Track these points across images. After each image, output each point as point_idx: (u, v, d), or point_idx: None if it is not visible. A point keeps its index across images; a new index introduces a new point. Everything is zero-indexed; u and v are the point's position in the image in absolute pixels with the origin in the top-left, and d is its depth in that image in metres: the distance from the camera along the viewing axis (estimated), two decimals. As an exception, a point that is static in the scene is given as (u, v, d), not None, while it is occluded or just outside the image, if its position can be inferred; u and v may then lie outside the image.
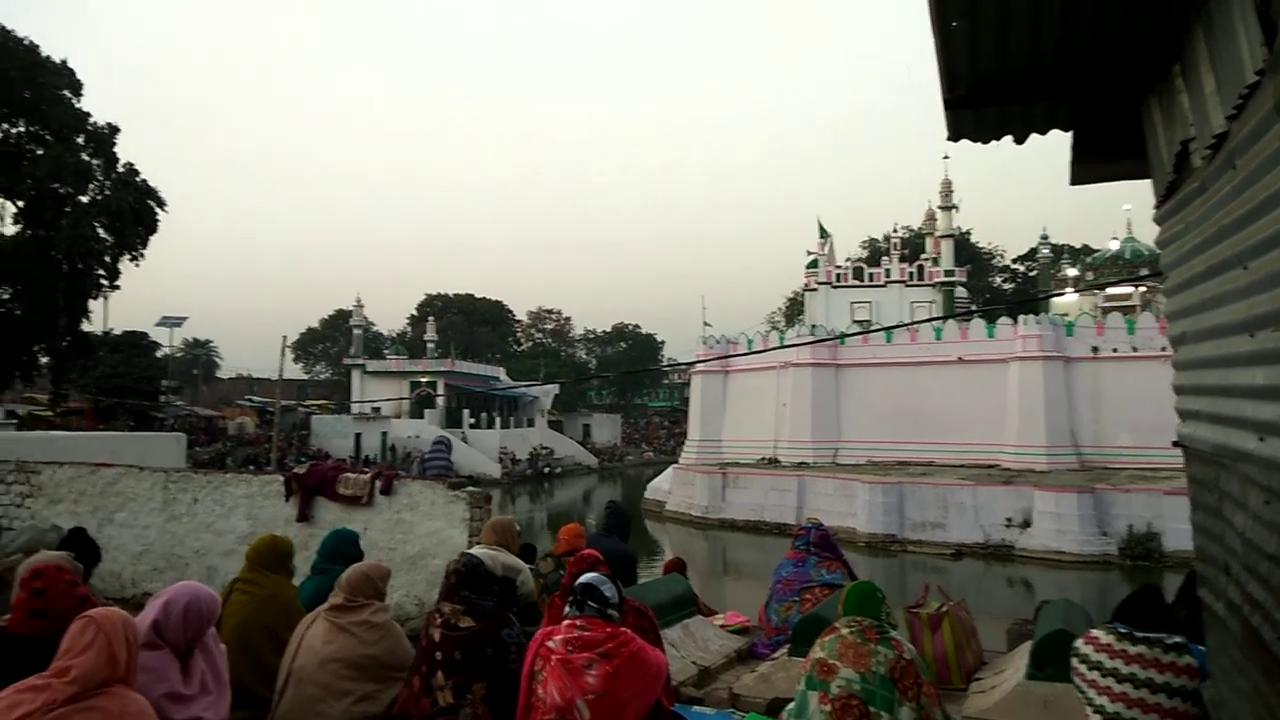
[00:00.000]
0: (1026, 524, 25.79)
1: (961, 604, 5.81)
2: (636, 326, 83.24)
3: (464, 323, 72.20)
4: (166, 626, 3.26)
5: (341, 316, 68.57)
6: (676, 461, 40.15)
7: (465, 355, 61.55)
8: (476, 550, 4.58)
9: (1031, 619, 5.80)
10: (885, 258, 46.89)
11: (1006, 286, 64.93)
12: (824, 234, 46.60)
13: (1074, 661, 3.31)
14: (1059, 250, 59.23)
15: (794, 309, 62.08)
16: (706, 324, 45.92)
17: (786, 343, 35.28)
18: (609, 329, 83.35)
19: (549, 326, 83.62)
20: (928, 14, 2.59)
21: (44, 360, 36.16)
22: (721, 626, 6.68)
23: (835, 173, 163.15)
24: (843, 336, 33.94)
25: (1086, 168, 3.60)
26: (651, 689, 3.21)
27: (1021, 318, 32.42)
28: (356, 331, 59.35)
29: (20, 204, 32.63)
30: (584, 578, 3.39)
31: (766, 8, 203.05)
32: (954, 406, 32.25)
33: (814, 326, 39.04)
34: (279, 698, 3.91)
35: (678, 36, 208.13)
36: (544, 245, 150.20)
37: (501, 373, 63.14)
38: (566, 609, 3.34)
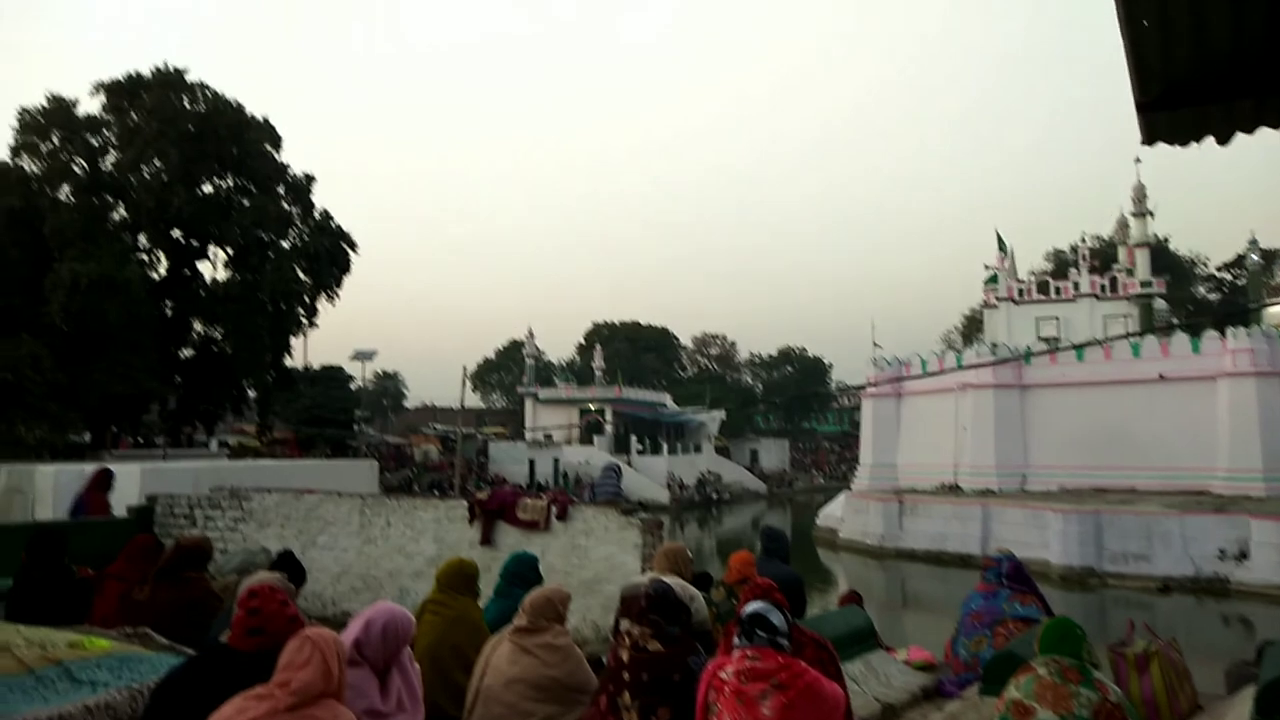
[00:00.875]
0: (1243, 555, 23.37)
1: (1172, 643, 5.32)
2: (803, 350, 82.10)
3: (630, 350, 73.53)
4: (367, 645, 3.48)
5: (515, 347, 71.54)
6: (847, 487, 39.10)
7: (631, 382, 62.61)
8: (659, 576, 4.62)
9: (1253, 660, 5.23)
10: (1073, 270, 44.03)
11: (1211, 297, 59.48)
12: (1003, 247, 44.35)
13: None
14: (1270, 256, 53.81)
15: (972, 327, 59.38)
16: (877, 345, 44.61)
17: (965, 363, 33.72)
18: (775, 353, 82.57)
19: (714, 352, 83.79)
20: (1115, 13, 2.44)
21: (251, 394, 39.49)
22: (905, 662, 6.41)
23: (1013, 182, 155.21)
24: (1028, 355, 32.09)
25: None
26: None
27: (1230, 330, 29.72)
28: (529, 361, 61.67)
29: (230, 251, 35.98)
30: (750, 606, 3.36)
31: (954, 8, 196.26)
32: (1156, 428, 29.82)
33: (995, 345, 37.16)
34: (468, 716, 4.07)
35: (847, 33, 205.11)
36: (707, 271, 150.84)
37: (667, 399, 63.76)
38: (736, 639, 3.32)
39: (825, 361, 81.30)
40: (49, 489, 12.92)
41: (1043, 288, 43.16)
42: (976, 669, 5.62)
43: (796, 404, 74.63)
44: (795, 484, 66.51)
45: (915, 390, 36.09)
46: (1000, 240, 44.31)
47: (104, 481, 9.58)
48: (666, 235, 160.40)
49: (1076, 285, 42.04)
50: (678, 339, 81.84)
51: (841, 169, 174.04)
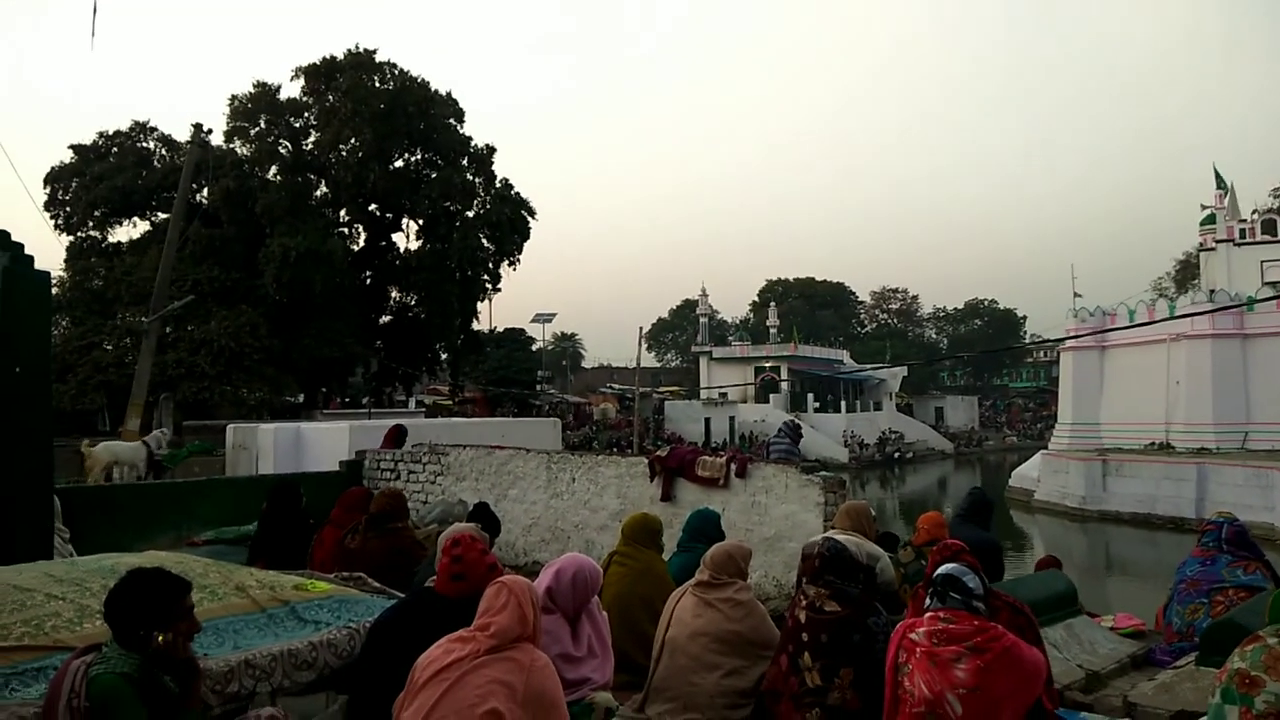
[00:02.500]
0: None
1: None
2: (993, 301, 77.86)
3: (805, 307, 72.29)
4: (558, 593, 3.62)
5: (688, 306, 71.86)
6: (1044, 447, 36.98)
7: (808, 339, 61.58)
8: (838, 536, 4.53)
9: None
10: (1305, 206, 39.25)
11: None
12: (1222, 184, 39.99)
13: None
14: None
15: (1186, 273, 54.19)
16: (1077, 294, 41.52)
17: (1179, 312, 30.86)
18: (961, 306, 78.82)
19: (894, 306, 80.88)
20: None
21: (443, 356, 41.92)
22: (1110, 629, 6.02)
23: (1234, 113, 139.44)
24: (1251, 302, 29.00)
25: None
26: (1029, 688, 3.07)
27: None
28: (702, 320, 61.81)
29: (420, 222, 38.06)
30: (944, 568, 3.29)
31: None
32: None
33: (1213, 292, 33.74)
34: (655, 665, 4.16)
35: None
36: (887, 222, 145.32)
37: (845, 355, 62.31)
38: (927, 600, 3.26)
39: (1018, 314, 76.86)
40: (269, 445, 14.21)
41: (1268, 227, 38.61)
42: (1192, 638, 5.26)
43: (986, 359, 71.00)
44: (985, 443, 63.44)
45: (1121, 342, 33.50)
46: (1219, 177, 39.95)
47: (399, 437, 10.43)
48: (842, 187, 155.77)
49: (1308, 223, 37.45)
50: (855, 294, 79.69)
51: (1034, 102, 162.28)
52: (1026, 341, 68.20)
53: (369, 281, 38.42)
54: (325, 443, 13.28)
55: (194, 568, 3.76)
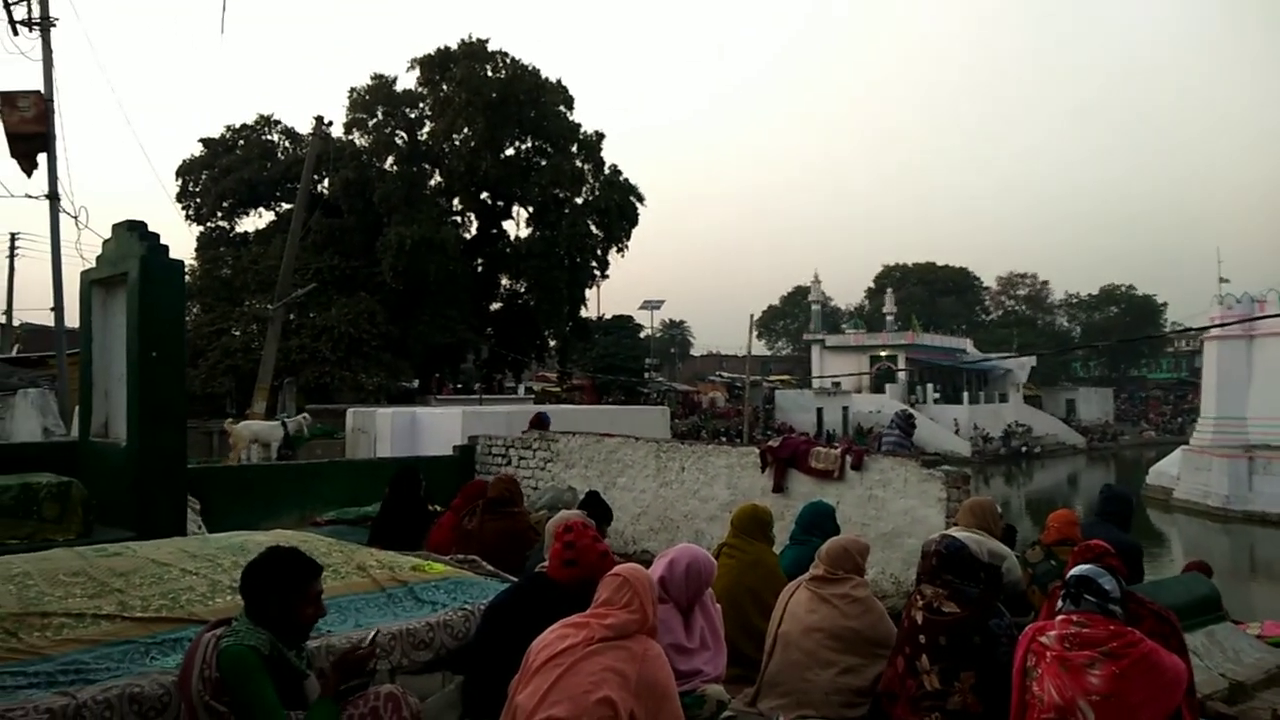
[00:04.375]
0: None
1: None
2: (1130, 288, 73.64)
3: (925, 293, 70.14)
4: (671, 583, 3.58)
5: (800, 293, 70.77)
6: (1185, 442, 34.91)
7: (927, 327, 59.72)
8: (958, 533, 4.34)
9: None
10: None
11: None
12: (1391, 157, 36.65)
13: None
14: None
15: (1344, 256, 50.01)
16: (1223, 279, 38.89)
17: (1335, 298, 28.53)
18: (1095, 292, 74.86)
19: (1022, 293, 77.52)
20: None
21: (552, 343, 42.45)
22: (1258, 637, 5.63)
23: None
24: None
25: None
26: (1169, 697, 2.94)
27: None
28: (815, 307, 60.76)
29: (530, 209, 38.59)
30: (1080, 569, 3.15)
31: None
32: None
33: (1377, 275, 31.02)
34: (768, 659, 4.08)
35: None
36: (1015, 204, 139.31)
37: (968, 344, 60.11)
38: (1060, 603, 3.13)
39: (1157, 300, 72.47)
40: (387, 429, 14.66)
41: None
42: None
43: (1122, 349, 67.28)
44: (1121, 437, 60.12)
45: (1271, 331, 31.20)
46: (1389, 148, 36.62)
47: (542, 423, 10.65)
48: (966, 168, 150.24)
49: None
50: (979, 280, 76.79)
51: (1178, 75, 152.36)
52: (1167, 330, 64.25)
53: (480, 269, 39.19)
54: (439, 427, 13.60)
55: (318, 547, 3.90)
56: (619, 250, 40.02)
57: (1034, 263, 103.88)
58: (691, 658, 3.54)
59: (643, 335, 53.41)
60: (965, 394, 54.83)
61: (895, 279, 71.65)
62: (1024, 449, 51.52)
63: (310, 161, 25.28)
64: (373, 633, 2.96)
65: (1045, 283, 77.19)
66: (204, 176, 36.88)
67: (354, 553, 4.06)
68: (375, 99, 36.64)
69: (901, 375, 53.28)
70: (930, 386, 53.87)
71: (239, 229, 38.36)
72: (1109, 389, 68.91)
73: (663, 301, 56.66)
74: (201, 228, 37.46)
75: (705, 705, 3.52)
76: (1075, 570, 3.15)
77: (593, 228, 38.39)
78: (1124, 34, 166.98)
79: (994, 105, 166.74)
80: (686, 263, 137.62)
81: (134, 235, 6.40)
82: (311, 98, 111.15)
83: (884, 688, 3.66)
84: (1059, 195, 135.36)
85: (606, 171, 39.08)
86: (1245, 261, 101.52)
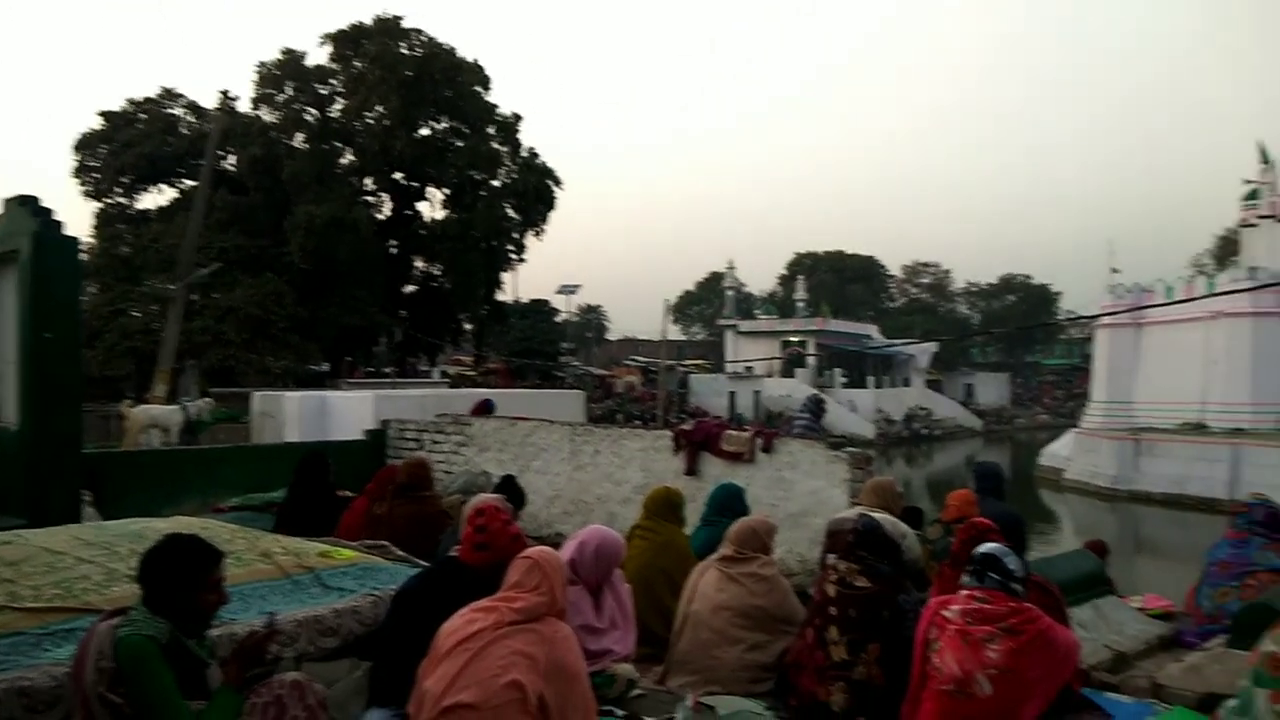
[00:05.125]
0: None
1: None
2: (1027, 277, 76.50)
3: (834, 281, 71.61)
4: (580, 565, 3.62)
5: (715, 279, 71.44)
6: (1076, 425, 36.58)
7: (836, 313, 61.07)
8: (869, 512, 4.49)
9: None
10: (1351, 181, 38.15)
11: None
12: (1266, 159, 38.92)
13: None
14: None
15: (1226, 249, 53.04)
16: (1114, 270, 40.77)
17: (1217, 289, 30.21)
18: (994, 281, 77.58)
19: (925, 281, 79.90)
20: None
21: (467, 327, 42.03)
22: (1139, 610, 5.97)
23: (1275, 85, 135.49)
24: (1294, 279, 28.30)
25: None
26: (1061, 671, 3.09)
27: None
28: (729, 293, 61.46)
29: (446, 191, 37.94)
30: (986, 547, 3.29)
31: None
32: None
33: (1253, 269, 33.03)
34: (677, 638, 4.16)
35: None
36: (920, 195, 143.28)
37: (874, 330, 61.74)
38: (964, 579, 3.25)
39: (1052, 290, 75.51)
40: (295, 413, 14.33)
41: (1314, 203, 37.68)
42: (1221, 621, 5.26)
43: (1019, 336, 70.08)
44: (1016, 421, 62.81)
45: (1157, 320, 32.92)
46: (1263, 151, 38.94)
47: (486, 410, 10.46)
48: (873, 160, 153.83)
49: (1358, 198, 36.44)
50: (885, 268, 78.74)
51: (1071, 76, 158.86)
52: (1060, 318, 67.15)
53: (394, 251, 38.40)
54: (350, 411, 13.36)
55: (220, 534, 3.79)
56: (536, 234, 39.72)
57: (938, 252, 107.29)
58: (601, 638, 3.59)
59: (559, 319, 53.20)
60: (871, 379, 56.38)
61: (807, 266, 72.89)
62: (925, 431, 53.37)
63: (215, 137, 24.36)
64: (269, 615, 2.89)
65: (948, 271, 79.61)
66: (103, 151, 35.22)
67: (258, 539, 3.97)
68: (284, 74, 35.45)
69: (811, 360, 54.41)
70: (838, 371, 55.16)
71: (139, 206, 36.86)
72: (1005, 374, 71.51)
73: (579, 286, 56.49)
74: (100, 204, 35.79)
75: (615, 684, 3.58)
76: (983, 549, 3.28)
77: (509, 211, 37.92)
78: (1020, 34, 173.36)
79: (900, 99, 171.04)
80: (604, 248, 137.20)
81: (26, 210, 6.11)
82: (217, 72, 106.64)
83: (792, 659, 3.76)
84: (961, 186, 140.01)
85: (524, 154, 38.64)
86: (1135, 254, 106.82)
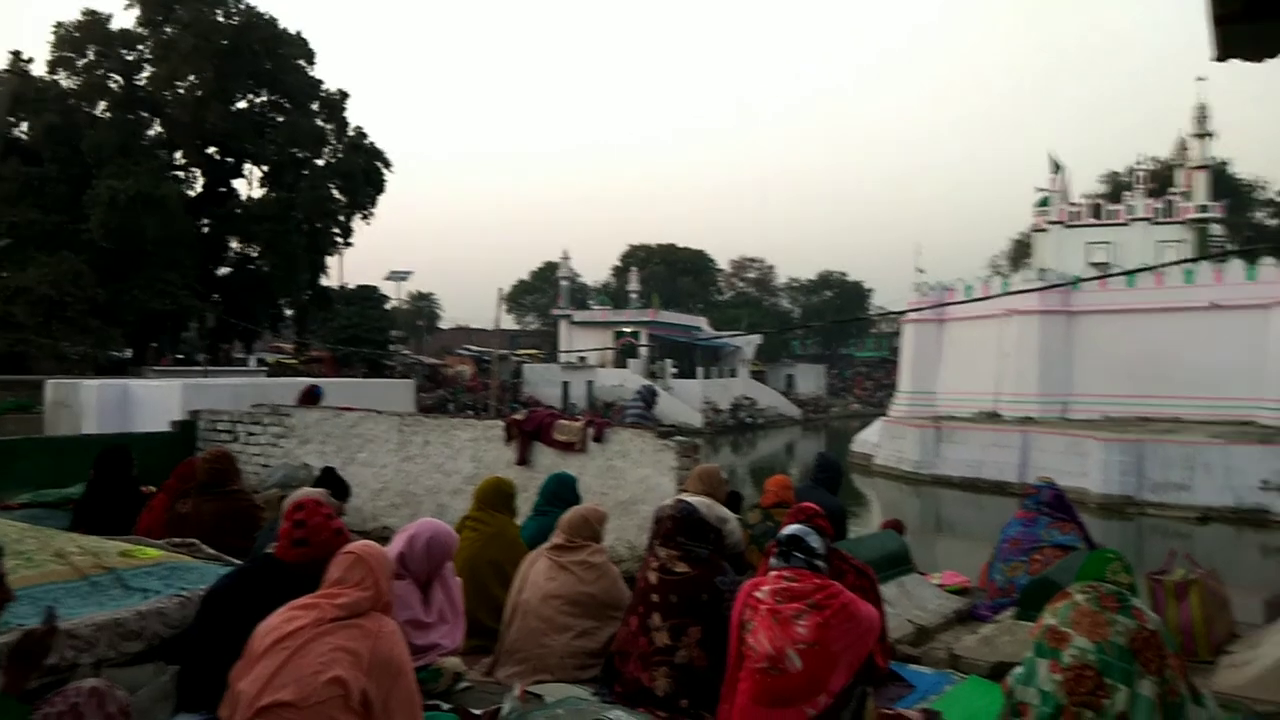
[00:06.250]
0: (1287, 487, 23.10)
1: (1212, 573, 5.27)
2: (843, 274, 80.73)
3: (666, 273, 72.85)
4: (410, 559, 3.55)
5: (550, 269, 71.14)
6: (884, 414, 38.94)
7: (668, 305, 62.26)
8: (689, 499, 4.63)
9: (1293, 590, 5.17)
10: (1127, 193, 42.60)
11: (1272, 223, 57.28)
12: (1056, 168, 42.82)
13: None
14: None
15: (1020, 252, 57.98)
16: (920, 270, 43.75)
17: (1011, 289, 32.95)
18: (814, 277, 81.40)
19: (751, 275, 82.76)
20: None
21: (288, 313, 39.94)
22: (939, 586, 6.43)
23: (1069, 102, 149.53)
24: (1077, 281, 31.29)
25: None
26: (864, 643, 3.21)
27: (1288, 257, 28.75)
28: (563, 283, 61.42)
29: (265, 168, 35.87)
30: (789, 529, 3.40)
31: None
32: (1204, 358, 29.02)
33: (1043, 271, 36.35)
34: (506, 629, 4.15)
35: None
36: (747, 192, 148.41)
37: (704, 322, 63.43)
38: (773, 560, 3.36)
39: (865, 286, 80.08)
40: (93, 402, 13.23)
41: (1095, 211, 41.87)
42: (1012, 594, 5.62)
43: (835, 329, 73.91)
44: (831, 409, 66.34)
45: (958, 316, 35.54)
46: (1053, 161, 42.85)
47: (312, 397, 9.86)
48: (705, 156, 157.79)
49: (1131, 209, 40.77)
50: (714, 262, 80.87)
51: (886, 89, 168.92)
52: (871, 313, 71.38)
53: (207, 230, 35.86)
54: (155, 401, 12.47)
55: (8, 532, 3.49)
56: (364, 217, 38.25)
57: (763, 248, 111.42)
58: (429, 632, 3.54)
59: (389, 306, 51.46)
60: (700, 369, 57.97)
61: (640, 258, 73.77)
62: (749, 420, 55.47)
63: (4, 102, 21.98)
64: (48, 609, 2.65)
65: (771, 267, 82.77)
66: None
67: (51, 538, 3.66)
68: (86, 37, 32.37)
69: (644, 351, 55.30)
70: (669, 362, 56.35)
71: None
72: (822, 365, 75.07)
73: (410, 272, 54.80)
74: None
75: (442, 678, 3.54)
76: (787, 530, 3.38)
77: (335, 192, 36.25)
78: (840, 36, 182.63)
79: (736, 96, 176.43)
80: (436, 234, 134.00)
81: None
82: (8, 31, 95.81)
83: (617, 646, 3.82)
84: (784, 185, 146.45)
85: (350, 133, 37.03)
86: (941, 255, 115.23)
